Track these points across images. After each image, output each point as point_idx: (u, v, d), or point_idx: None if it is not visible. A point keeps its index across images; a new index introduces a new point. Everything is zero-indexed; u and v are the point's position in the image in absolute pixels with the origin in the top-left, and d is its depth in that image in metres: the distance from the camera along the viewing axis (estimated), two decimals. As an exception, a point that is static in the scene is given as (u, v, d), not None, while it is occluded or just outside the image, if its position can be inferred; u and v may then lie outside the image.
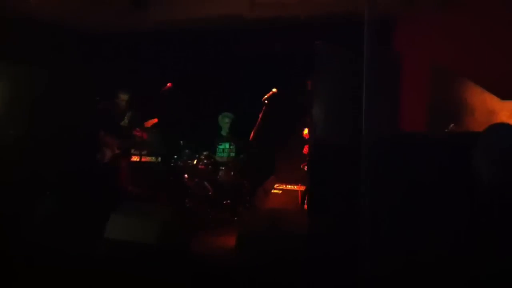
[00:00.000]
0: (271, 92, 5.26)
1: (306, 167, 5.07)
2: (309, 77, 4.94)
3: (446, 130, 3.69)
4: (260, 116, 5.34)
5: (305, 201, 4.97)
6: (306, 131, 5.14)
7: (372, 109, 3.46)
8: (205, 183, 6.00)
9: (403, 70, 3.46)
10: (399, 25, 3.46)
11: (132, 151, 6.40)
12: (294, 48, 4.99)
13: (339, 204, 3.46)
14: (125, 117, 6.30)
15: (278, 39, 4.82)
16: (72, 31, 4.95)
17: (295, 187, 5.29)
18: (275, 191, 5.58)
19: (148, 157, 6.51)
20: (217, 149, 6.51)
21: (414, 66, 3.47)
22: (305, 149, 5.17)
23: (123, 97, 6.25)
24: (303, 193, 5.06)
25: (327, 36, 3.77)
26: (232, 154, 6.43)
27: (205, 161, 6.16)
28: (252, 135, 5.39)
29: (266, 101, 5.28)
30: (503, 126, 2.32)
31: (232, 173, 6.05)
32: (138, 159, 6.34)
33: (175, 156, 6.38)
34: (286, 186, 5.55)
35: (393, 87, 3.51)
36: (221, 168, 6.13)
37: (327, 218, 3.55)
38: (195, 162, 6.18)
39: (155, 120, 6.27)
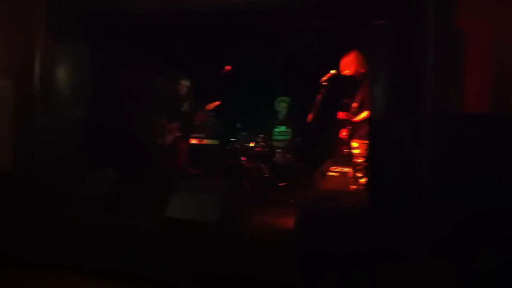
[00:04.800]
0: (329, 74, 5.21)
1: (345, 150, 5.02)
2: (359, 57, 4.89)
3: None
4: (318, 98, 5.31)
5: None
6: (343, 114, 5.07)
7: (435, 89, 3.40)
8: (262, 165, 6.08)
9: (467, 46, 3.35)
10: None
11: (193, 134, 6.57)
12: (349, 27, 4.90)
13: (400, 187, 3.43)
14: (185, 104, 6.44)
15: (333, 16, 4.74)
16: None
17: (349, 169, 5.25)
18: (332, 173, 5.55)
19: (207, 140, 6.65)
20: (274, 132, 6.57)
21: (478, 41, 3.33)
22: (341, 133, 5.10)
23: (184, 83, 6.38)
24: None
25: (385, 13, 3.70)
26: (289, 137, 6.47)
27: (261, 143, 6.25)
28: (310, 117, 5.37)
29: (324, 83, 5.23)
30: None
31: (288, 155, 6.10)
32: (198, 142, 6.50)
33: (233, 139, 6.51)
34: (343, 169, 5.51)
35: (456, 65, 3.40)
36: (277, 151, 6.20)
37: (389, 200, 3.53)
38: (252, 145, 6.27)
39: (218, 103, 6.38)
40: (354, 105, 4.97)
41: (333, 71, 5.22)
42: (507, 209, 3.00)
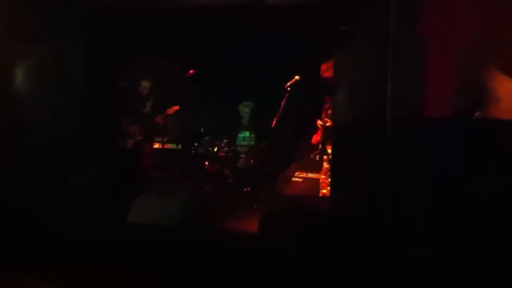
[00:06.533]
0: (294, 79, 5.24)
1: (317, 156, 5.03)
2: (326, 62, 4.90)
3: (472, 118, 3.65)
4: (282, 103, 5.32)
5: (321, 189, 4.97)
6: (319, 121, 5.10)
7: (398, 94, 3.45)
8: (226, 170, 6.04)
9: (429, 53, 3.42)
10: (425, 5, 3.40)
11: (154, 138, 6.46)
12: (315, 32, 4.94)
13: (361, 188, 3.46)
14: (147, 105, 6.35)
15: (299, 22, 4.76)
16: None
17: (316, 175, 5.28)
18: (296, 179, 5.57)
19: (169, 144, 6.56)
20: (238, 137, 6.54)
21: (440, 49, 3.42)
22: (314, 139, 5.12)
23: (145, 84, 6.28)
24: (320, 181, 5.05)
25: (350, 19, 3.74)
26: (252, 143, 6.45)
27: (225, 148, 6.22)
28: (274, 122, 5.37)
29: (289, 88, 5.25)
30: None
31: (252, 160, 6.08)
32: (160, 146, 6.40)
33: (196, 144, 6.45)
34: (307, 175, 5.54)
35: (418, 71, 3.47)
36: (241, 156, 6.17)
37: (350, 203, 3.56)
38: (215, 149, 6.23)
39: (177, 107, 6.30)
40: (329, 112, 4.93)
41: (297, 77, 5.25)
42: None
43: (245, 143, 6.50)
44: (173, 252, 3.71)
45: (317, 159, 5.04)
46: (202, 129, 6.56)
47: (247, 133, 6.59)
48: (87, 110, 5.02)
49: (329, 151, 4.84)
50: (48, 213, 4.11)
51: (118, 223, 4.09)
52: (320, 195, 4.92)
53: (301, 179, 5.56)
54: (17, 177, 4.15)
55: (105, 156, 5.29)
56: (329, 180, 4.75)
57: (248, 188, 5.92)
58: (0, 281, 3.29)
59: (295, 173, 5.62)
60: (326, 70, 4.80)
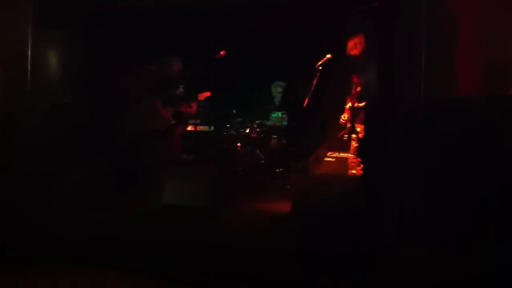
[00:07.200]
0: (325, 58, 5.12)
1: (345, 136, 4.95)
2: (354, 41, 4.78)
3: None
4: (314, 83, 5.23)
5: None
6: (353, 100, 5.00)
7: (431, 73, 3.34)
8: (257, 151, 6.04)
9: (460, 31, 3.29)
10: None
11: (187, 121, 6.51)
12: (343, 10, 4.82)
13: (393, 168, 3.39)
14: (180, 87, 6.36)
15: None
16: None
17: (348, 154, 5.21)
18: (328, 159, 5.52)
19: (202, 127, 6.61)
20: (270, 117, 6.52)
21: (471, 27, 3.28)
22: (342, 119, 5.03)
23: (177, 65, 6.27)
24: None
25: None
26: (284, 123, 6.42)
27: (257, 129, 6.22)
28: (305, 102, 5.30)
29: (320, 68, 5.15)
30: None
31: (284, 141, 6.07)
32: (193, 129, 6.45)
33: (228, 125, 6.47)
34: (339, 154, 5.48)
35: (450, 50, 3.35)
36: (273, 136, 6.16)
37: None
38: (247, 130, 6.24)
39: (208, 93, 6.30)
40: (358, 89, 4.84)
41: (328, 56, 5.15)
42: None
43: (278, 123, 6.48)
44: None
45: (345, 138, 4.97)
46: (234, 111, 6.56)
47: (279, 113, 6.57)
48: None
49: (358, 129, 4.77)
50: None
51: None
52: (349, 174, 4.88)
53: (333, 159, 5.51)
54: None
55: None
56: (358, 159, 4.71)
57: (280, 169, 5.92)
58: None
59: (327, 153, 5.57)
60: (354, 48, 4.69)
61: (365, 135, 4.11)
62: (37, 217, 3.98)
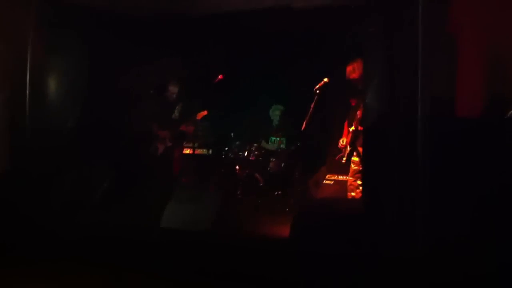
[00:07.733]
0: (322, 82, 5.19)
1: (342, 159, 4.96)
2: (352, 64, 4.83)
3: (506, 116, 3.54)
4: (311, 106, 5.28)
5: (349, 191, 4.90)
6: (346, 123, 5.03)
7: (427, 92, 3.37)
8: (256, 174, 6.03)
9: (459, 51, 3.34)
10: (453, 4, 3.32)
11: (185, 143, 6.52)
12: (341, 34, 4.89)
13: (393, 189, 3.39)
14: (175, 110, 6.39)
15: (328, 23, 4.72)
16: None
17: (346, 177, 5.22)
18: (327, 181, 5.53)
19: (200, 150, 6.61)
20: (270, 140, 6.53)
21: (471, 46, 3.33)
22: (340, 142, 5.04)
23: (173, 89, 6.32)
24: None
25: (375, 20, 3.67)
26: (283, 146, 6.43)
27: (255, 152, 6.21)
28: (304, 126, 5.33)
29: (317, 91, 5.21)
30: None
31: (282, 164, 6.06)
32: (191, 152, 6.45)
33: (226, 148, 6.47)
34: (337, 177, 5.49)
35: (448, 70, 3.39)
36: (271, 159, 6.15)
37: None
38: (246, 153, 6.24)
39: (205, 113, 6.33)
40: (359, 113, 4.86)
41: (326, 79, 5.20)
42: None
43: (276, 146, 6.48)
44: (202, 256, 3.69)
45: (343, 161, 4.97)
46: (232, 134, 6.59)
47: (277, 138, 6.58)
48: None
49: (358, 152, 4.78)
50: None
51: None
52: (348, 197, 4.87)
53: (331, 182, 5.52)
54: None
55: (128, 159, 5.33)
56: (357, 182, 4.70)
57: (279, 192, 5.90)
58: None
59: (326, 176, 5.58)
60: (353, 72, 4.73)
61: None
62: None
